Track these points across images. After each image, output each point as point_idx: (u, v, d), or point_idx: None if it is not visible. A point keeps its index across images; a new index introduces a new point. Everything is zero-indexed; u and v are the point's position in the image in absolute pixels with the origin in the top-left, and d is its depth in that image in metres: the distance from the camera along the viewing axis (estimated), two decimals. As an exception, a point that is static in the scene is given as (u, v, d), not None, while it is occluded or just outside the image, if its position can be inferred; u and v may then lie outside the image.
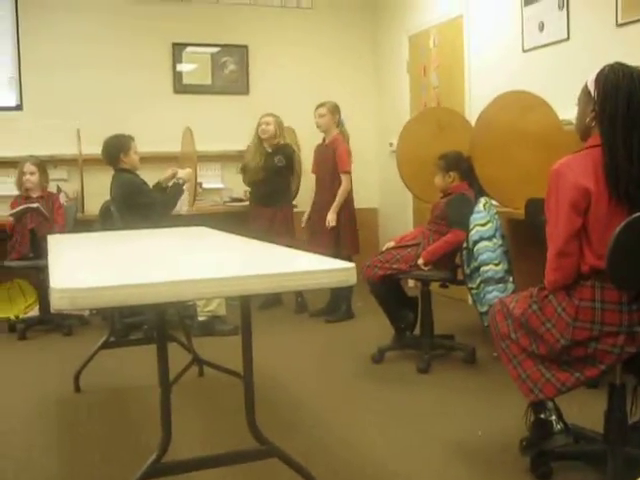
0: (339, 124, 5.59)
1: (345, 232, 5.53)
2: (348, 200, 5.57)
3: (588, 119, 2.51)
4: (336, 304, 5.50)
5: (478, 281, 4.06)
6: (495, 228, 4.08)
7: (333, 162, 5.49)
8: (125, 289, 1.90)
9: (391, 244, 4.46)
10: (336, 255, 5.35)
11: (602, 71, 2.48)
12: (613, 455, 2.54)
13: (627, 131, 2.38)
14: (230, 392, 3.32)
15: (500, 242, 4.08)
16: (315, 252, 5.32)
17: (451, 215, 4.15)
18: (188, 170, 5.12)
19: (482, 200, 4.15)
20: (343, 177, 5.47)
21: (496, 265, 4.01)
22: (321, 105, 5.57)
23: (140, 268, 2.24)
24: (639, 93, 2.40)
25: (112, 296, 1.90)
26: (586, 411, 2.96)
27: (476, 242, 4.04)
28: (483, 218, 4.07)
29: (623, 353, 2.40)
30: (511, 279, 4.09)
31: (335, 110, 5.53)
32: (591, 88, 2.49)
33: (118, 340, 3.97)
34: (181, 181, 4.98)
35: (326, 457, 2.87)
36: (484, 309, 4.04)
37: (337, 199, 5.46)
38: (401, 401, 3.62)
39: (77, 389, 3.87)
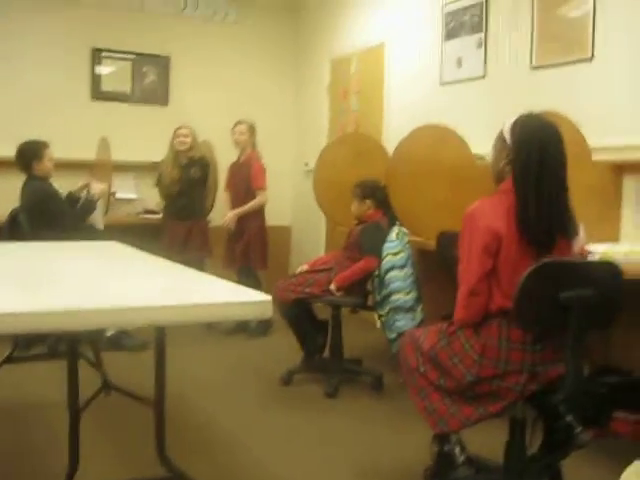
0: (254, 143, 5.66)
1: (255, 247, 5.59)
2: (259, 216, 5.66)
3: (502, 164, 2.61)
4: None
5: (387, 308, 4.14)
6: (407, 257, 4.18)
7: (248, 179, 5.54)
8: (34, 316, 1.85)
9: (304, 267, 4.50)
10: (249, 270, 5.51)
11: (518, 120, 2.58)
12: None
13: (539, 180, 2.49)
14: (138, 413, 3.26)
15: (411, 271, 4.18)
16: (230, 267, 5.43)
17: (364, 243, 4.22)
18: (102, 186, 5.03)
19: (395, 229, 4.24)
20: (258, 193, 5.56)
21: (406, 294, 4.10)
22: (240, 123, 5.61)
23: (56, 293, 2.17)
24: (552, 144, 2.52)
25: (20, 322, 1.85)
26: (489, 441, 3.05)
27: (387, 270, 4.12)
28: (395, 247, 4.17)
29: (525, 390, 2.50)
30: (420, 308, 4.19)
31: (253, 130, 5.66)
32: (507, 135, 2.59)
33: (21, 355, 3.82)
34: (95, 197, 4.89)
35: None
36: (392, 336, 4.13)
37: (246, 206, 5.55)
38: (309, 425, 3.65)
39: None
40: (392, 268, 4.12)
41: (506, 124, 2.62)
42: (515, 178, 2.53)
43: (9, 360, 3.83)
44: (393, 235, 4.21)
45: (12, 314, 1.80)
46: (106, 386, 3.32)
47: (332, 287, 4.18)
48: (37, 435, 3.39)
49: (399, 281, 4.11)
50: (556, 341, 2.50)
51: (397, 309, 4.10)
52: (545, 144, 2.51)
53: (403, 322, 4.08)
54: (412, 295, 4.13)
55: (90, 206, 4.91)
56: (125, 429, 3.43)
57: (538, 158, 2.49)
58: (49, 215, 4.67)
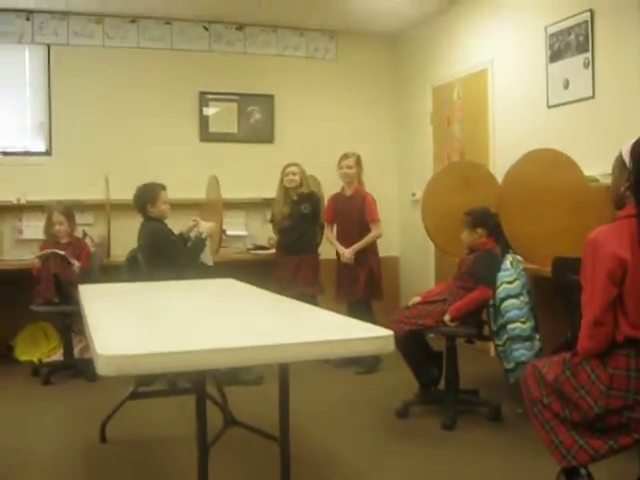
0: (361, 176, 5.71)
1: (373, 280, 5.63)
2: (375, 249, 5.68)
3: (623, 188, 2.54)
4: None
5: (505, 338, 4.07)
6: (522, 285, 4.10)
7: (360, 213, 5.59)
8: (169, 357, 1.94)
9: (417, 299, 4.47)
10: (365, 302, 5.53)
11: (637, 142, 2.51)
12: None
13: None
14: (260, 447, 3.31)
15: (527, 299, 4.09)
16: (345, 300, 5.47)
17: (478, 272, 4.17)
18: (210, 224, 5.20)
19: (509, 257, 4.17)
20: (373, 226, 5.61)
21: (523, 323, 4.02)
22: (348, 156, 5.67)
23: (181, 332, 2.27)
24: None
25: (157, 363, 1.95)
26: (616, 477, 2.93)
27: (503, 299, 4.05)
28: (510, 275, 4.10)
29: (658, 422, 2.40)
30: (537, 336, 4.09)
31: (360, 162, 5.71)
32: (626, 158, 2.53)
33: (145, 391, 3.96)
34: (203, 235, 5.06)
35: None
36: (510, 366, 4.05)
37: (364, 240, 5.60)
38: (427, 458, 3.61)
39: (103, 439, 3.87)
40: (508, 297, 4.05)
41: (625, 146, 2.55)
42: (637, 201, 2.46)
43: (133, 396, 3.97)
44: (507, 263, 4.14)
45: (153, 354, 1.89)
46: (231, 422, 3.39)
47: (446, 318, 4.14)
48: (164, 468, 3.50)
49: (516, 309, 4.03)
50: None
51: (515, 338, 4.02)
52: None
53: (521, 351, 4.00)
54: (529, 324, 4.04)
55: (200, 244, 5.07)
56: (249, 464, 3.49)
57: None
58: (164, 255, 4.86)
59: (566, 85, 4.97)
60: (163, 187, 5.06)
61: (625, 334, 2.42)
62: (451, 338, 4.25)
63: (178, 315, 2.73)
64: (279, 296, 3.21)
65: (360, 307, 5.53)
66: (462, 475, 3.39)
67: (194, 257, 5.04)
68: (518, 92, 5.54)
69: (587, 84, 4.76)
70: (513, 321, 4.02)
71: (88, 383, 5.15)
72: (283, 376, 2.35)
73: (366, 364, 5.36)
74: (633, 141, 2.53)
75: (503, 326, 4.06)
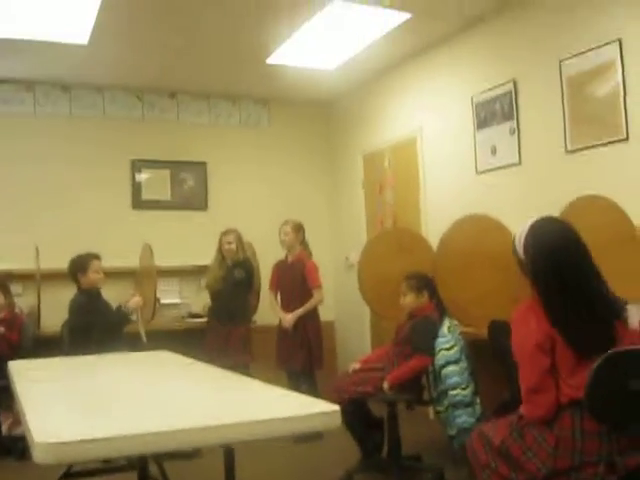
0: (303, 242, 5.71)
1: (315, 346, 5.59)
2: (315, 315, 5.66)
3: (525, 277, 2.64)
4: None
5: (446, 404, 4.07)
6: (460, 350, 4.12)
7: (301, 279, 5.59)
8: (111, 442, 1.87)
9: (357, 365, 4.46)
10: (307, 369, 5.46)
11: (526, 243, 2.62)
12: None
13: (564, 298, 2.50)
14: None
15: (466, 364, 4.11)
16: (286, 367, 5.39)
17: (415, 340, 4.19)
18: (137, 299, 5.10)
19: (446, 322, 4.20)
20: (315, 291, 5.61)
21: (464, 389, 4.03)
22: (285, 223, 5.70)
23: (121, 413, 2.19)
24: (566, 250, 2.55)
25: (99, 449, 1.86)
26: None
27: (442, 366, 4.06)
28: (448, 342, 4.11)
29: (604, 482, 2.43)
30: (478, 401, 4.11)
31: (299, 229, 5.70)
32: (520, 252, 2.63)
33: (80, 471, 3.80)
34: (129, 310, 4.97)
35: None
36: (453, 432, 4.04)
37: (305, 306, 5.58)
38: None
39: (35, 524, 3.68)
40: (447, 363, 4.06)
41: (517, 238, 2.65)
42: (541, 299, 2.55)
43: (67, 476, 3.80)
44: (445, 329, 4.16)
45: (93, 440, 1.82)
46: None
47: (385, 386, 4.13)
48: None
49: (456, 376, 4.04)
50: (632, 429, 2.45)
51: (456, 405, 4.02)
52: (559, 257, 2.53)
53: (464, 418, 3.99)
54: (469, 389, 4.05)
55: (122, 318, 4.97)
56: None
57: (556, 276, 2.51)
58: (83, 329, 4.76)
59: (493, 151, 5.15)
60: (96, 256, 4.98)
61: (569, 396, 2.46)
62: (392, 404, 4.24)
63: (115, 392, 2.65)
64: (218, 369, 3.15)
65: (302, 378, 5.48)
66: None
67: (113, 330, 4.90)
68: (447, 159, 5.71)
69: (513, 150, 4.94)
70: (454, 387, 4.02)
71: (17, 462, 4.92)
72: (228, 457, 2.30)
73: (306, 435, 5.26)
74: (522, 236, 2.63)
75: (444, 392, 4.06)
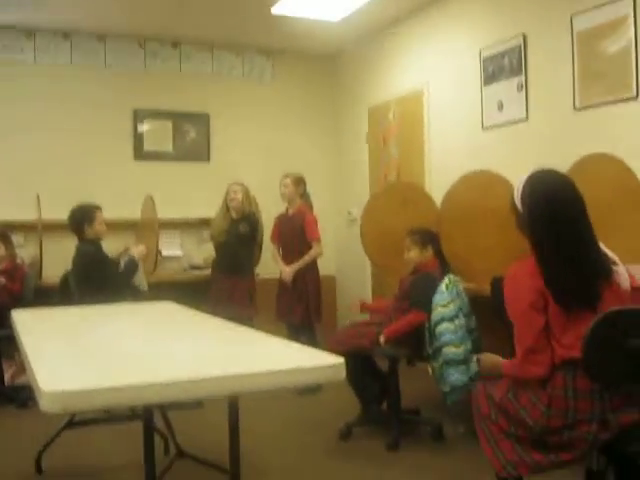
0: (303, 195, 5.68)
1: (313, 300, 5.61)
2: (315, 267, 5.66)
3: (523, 228, 2.62)
4: None
5: (441, 361, 4.05)
6: (458, 308, 4.06)
7: (300, 232, 5.58)
8: (118, 391, 1.88)
9: (357, 304, 4.55)
10: (306, 323, 5.50)
11: (524, 192, 2.60)
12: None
13: (557, 250, 2.50)
14: (207, 476, 3.24)
15: (462, 322, 4.06)
16: (285, 321, 5.43)
17: (413, 295, 4.19)
18: (141, 247, 5.12)
19: (445, 280, 4.14)
20: (314, 244, 5.61)
21: (457, 347, 3.98)
22: (286, 176, 5.67)
23: (127, 363, 2.20)
24: (561, 212, 2.52)
25: (105, 398, 1.88)
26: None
27: (437, 323, 4.02)
28: (445, 299, 4.05)
29: (597, 439, 2.44)
30: (474, 359, 4.07)
31: (299, 182, 5.66)
32: (518, 203, 2.61)
33: (84, 420, 3.83)
34: (136, 258, 4.98)
35: None
36: (447, 389, 4.02)
37: (303, 258, 5.58)
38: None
39: (39, 470, 3.72)
40: (442, 320, 4.01)
41: (515, 191, 2.63)
42: (535, 251, 2.54)
43: (70, 425, 3.84)
44: (443, 286, 4.10)
45: (100, 390, 1.83)
46: (180, 453, 3.31)
47: (381, 340, 4.15)
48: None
49: (449, 333, 3.99)
50: (626, 388, 2.46)
51: (449, 362, 3.99)
52: (555, 207, 2.52)
53: (455, 376, 3.96)
54: (464, 347, 4.00)
55: (133, 267, 4.98)
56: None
57: (551, 225, 2.51)
58: (96, 279, 4.76)
59: (500, 107, 5.09)
60: (99, 208, 4.96)
61: (561, 357, 2.47)
62: (392, 359, 4.26)
63: (121, 343, 2.65)
64: (222, 321, 3.15)
65: (302, 330, 5.51)
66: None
67: (126, 281, 4.95)
68: (453, 113, 5.65)
69: (521, 107, 4.88)
70: (447, 345, 3.98)
71: (19, 410, 4.98)
72: (233, 408, 2.31)
73: (307, 387, 5.30)
74: (520, 187, 2.60)
75: (438, 349, 4.04)
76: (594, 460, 2.57)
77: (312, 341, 5.26)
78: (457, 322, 4.03)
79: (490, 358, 2.79)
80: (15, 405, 5.06)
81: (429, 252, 4.30)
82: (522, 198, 2.60)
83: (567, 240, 2.51)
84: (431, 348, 4.12)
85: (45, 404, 1.84)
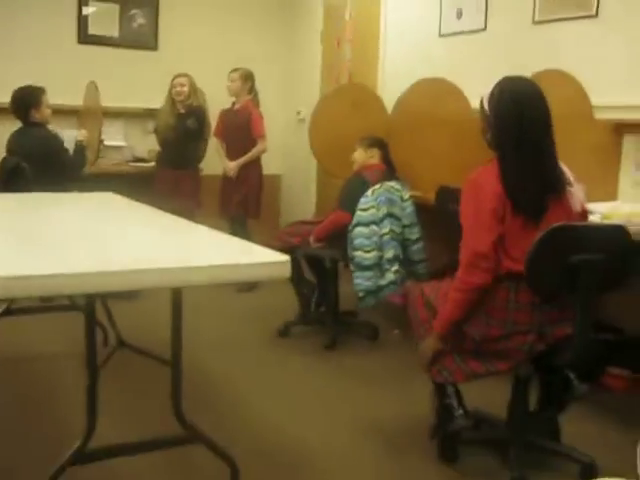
0: (252, 91, 5.57)
1: (252, 196, 5.60)
2: (258, 164, 5.65)
3: (488, 135, 2.62)
4: None
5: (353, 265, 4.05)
6: (383, 215, 3.99)
7: (246, 128, 5.52)
8: (60, 278, 1.83)
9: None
10: (240, 219, 5.49)
11: (492, 95, 2.58)
12: (516, 442, 2.73)
13: (520, 155, 2.52)
14: (147, 367, 3.27)
15: (384, 231, 3.98)
16: (224, 216, 5.39)
17: (340, 196, 4.21)
18: (83, 131, 4.99)
19: (377, 185, 4.05)
20: (259, 141, 5.56)
21: (366, 252, 3.95)
22: (234, 70, 5.56)
23: (69, 252, 2.15)
24: (528, 117, 2.53)
25: (46, 286, 1.84)
26: (488, 396, 3.11)
27: (354, 227, 4.00)
28: (366, 203, 4.00)
29: (532, 351, 2.54)
30: (393, 268, 3.99)
31: (248, 77, 5.57)
32: (486, 106, 2.60)
33: (21, 308, 3.78)
34: (83, 144, 4.84)
35: (241, 436, 2.91)
36: (360, 295, 4.01)
37: (248, 155, 5.55)
38: (310, 378, 3.71)
39: (-27, 358, 3.72)
40: (358, 224, 3.98)
41: (485, 94, 2.62)
42: (498, 155, 2.56)
43: (6, 313, 3.79)
44: (369, 191, 4.02)
45: (42, 276, 1.79)
46: (120, 343, 3.32)
47: (311, 239, 4.18)
48: (44, 389, 3.39)
49: (362, 238, 3.96)
50: (562, 301, 2.55)
51: (357, 266, 3.98)
52: (522, 109, 2.52)
53: (360, 281, 3.96)
54: (375, 254, 3.95)
55: (82, 151, 4.86)
56: (136, 386, 3.42)
57: (516, 133, 2.52)
58: (57, 166, 4.62)
59: (459, 15, 5.00)
60: (44, 91, 4.77)
61: (507, 268, 2.52)
62: (319, 259, 4.32)
63: (62, 232, 2.58)
64: (165, 213, 3.10)
65: (235, 223, 5.51)
66: (342, 391, 3.53)
67: (78, 165, 4.82)
68: (411, 19, 5.52)
69: (480, 16, 4.81)
70: (356, 249, 3.97)
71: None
72: (176, 301, 2.30)
73: (244, 285, 5.30)
74: (489, 91, 2.60)
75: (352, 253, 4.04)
76: (522, 368, 2.69)
77: (244, 236, 5.24)
78: (373, 228, 3.97)
79: (423, 345, 2.75)
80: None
81: (372, 154, 4.27)
82: (490, 98, 2.58)
83: (528, 143, 2.52)
84: (351, 252, 4.08)
85: (-18, 287, 1.79)
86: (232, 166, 5.55)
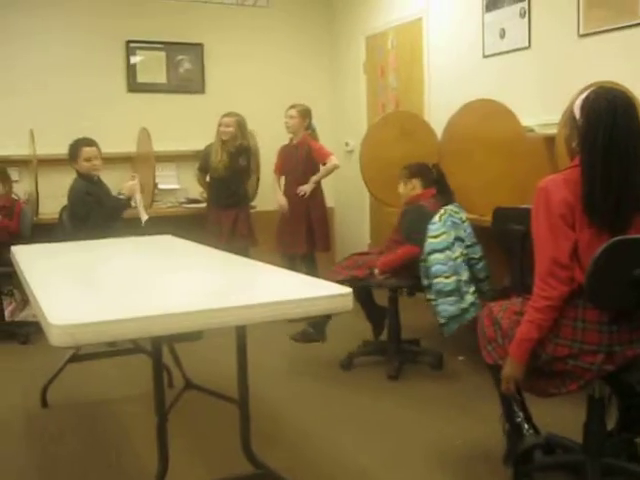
0: (309, 127, 5.57)
1: (319, 228, 5.54)
2: (321, 197, 5.61)
3: (574, 143, 2.56)
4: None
5: (433, 293, 4.02)
6: (453, 239, 4.00)
7: (306, 160, 5.48)
8: (126, 323, 1.87)
9: None
10: (309, 253, 5.48)
11: (587, 98, 2.51)
12: (592, 465, 2.63)
13: (607, 163, 2.42)
14: (215, 408, 3.28)
15: (456, 254, 3.99)
16: (289, 251, 5.40)
17: (404, 228, 4.17)
18: (130, 183, 5.02)
19: (441, 211, 4.06)
20: (329, 160, 5.49)
21: (446, 278, 3.95)
22: (292, 107, 5.55)
23: (133, 296, 2.19)
24: (621, 125, 2.44)
25: (114, 331, 1.87)
26: (565, 421, 3.03)
27: (429, 254, 3.98)
28: (437, 230, 3.99)
29: (602, 370, 2.46)
30: (471, 290, 4.01)
31: (306, 114, 5.52)
32: (576, 113, 2.53)
33: (88, 353, 3.85)
34: (122, 196, 4.93)
35: (311, 472, 2.88)
36: (442, 321, 4.00)
37: (321, 171, 5.49)
38: (377, 410, 3.65)
39: (44, 404, 3.77)
40: (433, 251, 3.97)
41: (577, 101, 2.55)
42: (582, 160, 2.48)
43: (74, 359, 3.86)
44: (436, 217, 4.03)
45: (109, 322, 1.82)
46: (188, 385, 3.33)
47: (375, 271, 4.16)
48: (111, 432, 3.43)
49: (439, 264, 3.95)
50: (634, 321, 2.47)
51: (439, 293, 3.97)
52: (614, 126, 2.42)
53: (444, 307, 3.94)
54: (455, 278, 3.96)
55: (119, 204, 4.93)
56: (204, 426, 3.42)
57: (607, 140, 2.42)
58: (80, 215, 4.77)
59: (502, 35, 4.98)
60: (88, 143, 4.88)
61: (579, 281, 2.44)
62: (393, 290, 4.28)
63: (124, 277, 2.64)
64: (225, 253, 3.14)
65: (302, 261, 5.48)
66: (410, 422, 3.46)
67: (112, 217, 4.88)
68: (453, 42, 5.53)
69: (523, 34, 4.78)
70: (436, 276, 3.96)
71: (21, 346, 5.01)
72: (241, 339, 2.31)
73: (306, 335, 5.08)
74: (584, 95, 2.54)
75: (431, 280, 4.01)
76: (596, 388, 2.61)
77: (313, 271, 5.24)
78: (448, 253, 3.96)
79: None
80: (17, 341, 5.08)
81: (412, 185, 4.25)
82: (583, 105, 2.49)
83: (616, 152, 2.42)
84: (427, 280, 4.10)
85: (54, 338, 1.84)
86: (306, 188, 5.45)
